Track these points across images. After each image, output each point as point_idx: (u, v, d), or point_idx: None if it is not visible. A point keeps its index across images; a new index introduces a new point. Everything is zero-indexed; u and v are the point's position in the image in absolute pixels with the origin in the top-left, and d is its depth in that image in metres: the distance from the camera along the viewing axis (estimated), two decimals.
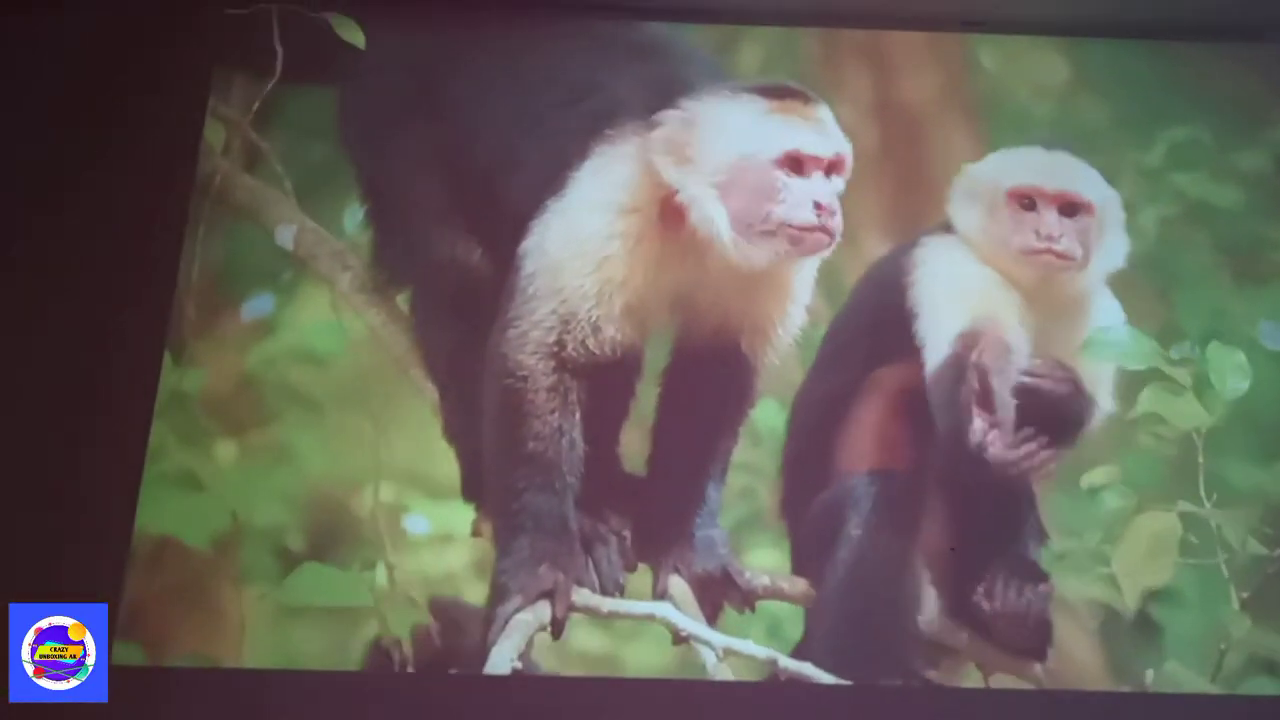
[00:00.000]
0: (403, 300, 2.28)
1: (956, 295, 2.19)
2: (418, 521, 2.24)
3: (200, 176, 2.37)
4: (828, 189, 2.06)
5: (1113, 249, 2.24)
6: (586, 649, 2.18)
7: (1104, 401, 2.23)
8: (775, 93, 2.09)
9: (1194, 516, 2.18)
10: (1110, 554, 2.18)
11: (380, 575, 2.19)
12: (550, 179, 2.13)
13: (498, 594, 2.07)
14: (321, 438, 2.27)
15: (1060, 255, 2.19)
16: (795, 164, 2.07)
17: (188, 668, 2.11)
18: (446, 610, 2.17)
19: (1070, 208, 2.20)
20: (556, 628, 2.07)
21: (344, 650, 2.16)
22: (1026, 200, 2.21)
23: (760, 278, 2.11)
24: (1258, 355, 2.29)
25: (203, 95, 2.40)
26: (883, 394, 2.22)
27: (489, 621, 2.06)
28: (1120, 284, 2.28)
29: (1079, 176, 2.23)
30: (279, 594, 2.17)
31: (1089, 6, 2.52)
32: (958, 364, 2.13)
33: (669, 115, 2.08)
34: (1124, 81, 2.52)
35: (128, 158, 2.38)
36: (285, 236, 2.34)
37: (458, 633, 2.14)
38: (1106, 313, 2.25)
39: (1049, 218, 2.19)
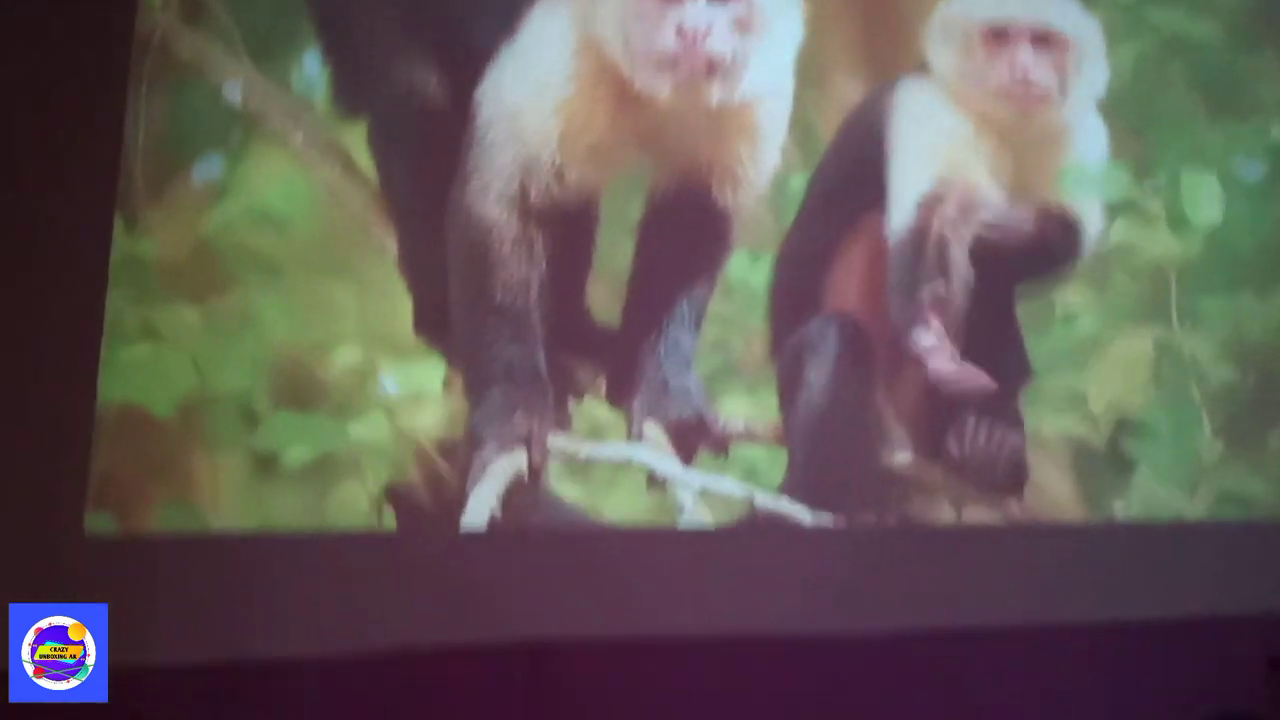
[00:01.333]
0: (360, 134, 2.21)
1: (926, 149, 2.18)
2: (388, 381, 2.21)
3: (139, 33, 2.28)
4: (703, 14, 2.00)
5: (1093, 79, 2.21)
6: (563, 498, 2.16)
7: (1093, 226, 2.22)
8: None
9: (1167, 345, 2.18)
10: (1084, 385, 2.18)
11: (355, 429, 2.16)
12: (506, 20, 2.07)
13: (473, 443, 2.06)
14: (284, 301, 2.23)
15: (1034, 87, 2.16)
16: None
17: (164, 536, 2.08)
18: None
19: (1044, 39, 2.17)
20: (534, 474, 2.06)
21: (318, 510, 2.15)
22: (1000, 33, 2.17)
23: (725, 115, 2.06)
24: (1233, 189, 2.28)
25: None
26: (869, 239, 2.20)
27: (466, 470, 2.06)
28: None
29: (1055, 7, 2.19)
30: (252, 443, 2.14)
31: None
32: (918, 236, 2.12)
33: None
34: None
35: (61, 15, 2.29)
36: (233, 92, 2.26)
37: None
38: (1089, 144, 2.24)
39: (1022, 51, 2.17)
